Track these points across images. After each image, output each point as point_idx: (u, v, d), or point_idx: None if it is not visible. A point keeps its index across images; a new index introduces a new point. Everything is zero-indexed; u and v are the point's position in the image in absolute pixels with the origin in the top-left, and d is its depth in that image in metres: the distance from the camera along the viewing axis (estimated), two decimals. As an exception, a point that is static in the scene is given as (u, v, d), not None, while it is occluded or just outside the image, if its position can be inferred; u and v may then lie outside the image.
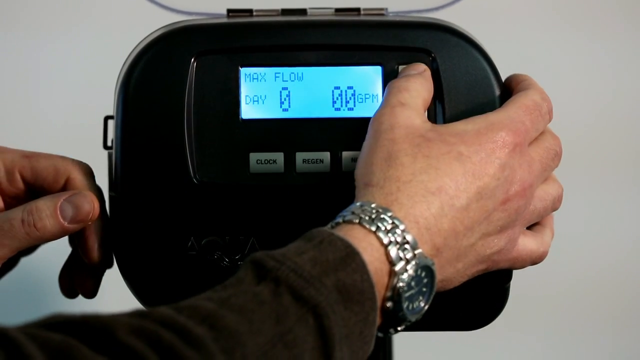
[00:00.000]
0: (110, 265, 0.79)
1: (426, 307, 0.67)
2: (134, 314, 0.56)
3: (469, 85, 0.77)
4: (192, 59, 0.77)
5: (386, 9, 0.82)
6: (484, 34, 0.83)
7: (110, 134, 0.79)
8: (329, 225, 0.67)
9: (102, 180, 0.80)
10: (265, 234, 0.77)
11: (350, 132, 0.77)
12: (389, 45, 0.78)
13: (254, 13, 0.82)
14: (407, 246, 0.65)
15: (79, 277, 0.80)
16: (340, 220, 0.66)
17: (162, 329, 0.54)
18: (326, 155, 0.77)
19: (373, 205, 0.66)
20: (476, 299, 0.78)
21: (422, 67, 0.76)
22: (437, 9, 0.86)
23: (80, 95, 1.27)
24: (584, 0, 1.32)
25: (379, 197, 0.67)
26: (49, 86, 1.29)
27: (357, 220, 0.65)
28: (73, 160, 0.78)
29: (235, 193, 0.77)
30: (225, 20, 0.81)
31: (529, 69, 1.32)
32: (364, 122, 0.77)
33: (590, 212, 1.33)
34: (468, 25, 0.80)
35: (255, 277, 0.61)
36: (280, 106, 0.78)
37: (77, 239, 0.78)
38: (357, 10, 0.82)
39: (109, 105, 0.79)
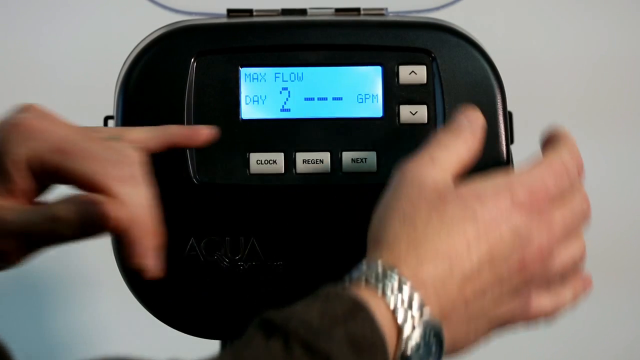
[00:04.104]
0: None
1: None
2: None
3: (469, 85, 0.77)
4: (192, 59, 0.77)
5: (386, 9, 0.83)
6: (484, 34, 0.83)
7: (110, 134, 0.79)
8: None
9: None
10: (266, 234, 0.77)
11: (350, 132, 0.77)
12: (389, 45, 0.78)
13: (254, 13, 0.82)
14: (414, 306, 0.63)
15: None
16: (347, 280, 0.64)
17: None
18: (326, 156, 0.77)
19: (379, 264, 0.63)
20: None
21: (474, 118, 0.70)
22: (437, 9, 0.86)
23: (80, 95, 1.27)
24: (584, 0, 1.32)
25: (387, 255, 0.64)
26: (49, 86, 1.29)
27: (363, 280, 0.63)
28: (123, 168, 0.65)
29: (235, 193, 0.77)
30: (225, 20, 0.81)
31: (529, 69, 1.32)
32: (364, 123, 0.77)
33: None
34: (468, 25, 0.80)
35: (265, 333, 0.59)
36: (280, 106, 0.78)
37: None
38: (357, 10, 0.82)
39: (109, 105, 0.79)
